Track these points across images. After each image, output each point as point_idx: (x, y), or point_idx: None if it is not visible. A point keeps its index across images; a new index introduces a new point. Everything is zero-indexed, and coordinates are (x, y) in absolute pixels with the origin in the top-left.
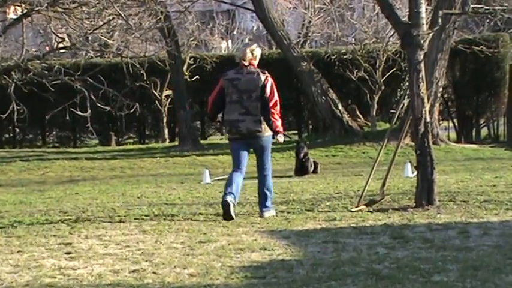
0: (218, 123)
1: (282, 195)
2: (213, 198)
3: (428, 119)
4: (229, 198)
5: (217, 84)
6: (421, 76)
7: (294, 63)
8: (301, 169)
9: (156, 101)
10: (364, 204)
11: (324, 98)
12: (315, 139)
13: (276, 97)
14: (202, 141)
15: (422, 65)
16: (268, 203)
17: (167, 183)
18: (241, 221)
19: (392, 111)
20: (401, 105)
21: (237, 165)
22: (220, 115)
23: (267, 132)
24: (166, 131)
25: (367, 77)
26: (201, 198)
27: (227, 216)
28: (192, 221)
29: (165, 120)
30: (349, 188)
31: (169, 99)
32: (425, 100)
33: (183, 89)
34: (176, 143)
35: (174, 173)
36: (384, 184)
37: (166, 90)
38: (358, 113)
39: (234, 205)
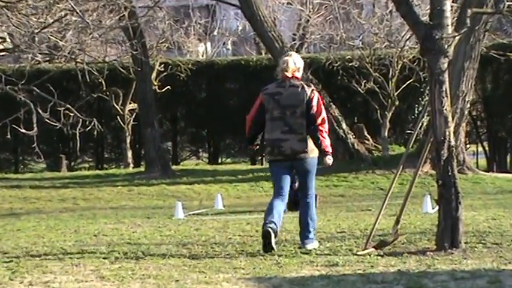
0: (256, 148)
1: None
2: (186, 237)
3: (452, 142)
4: (270, 227)
5: (251, 100)
6: (444, 89)
7: None
8: (295, 202)
9: (118, 117)
10: (373, 247)
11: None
12: None
13: (324, 113)
14: (173, 167)
15: (446, 75)
16: (311, 234)
17: (130, 218)
18: (222, 265)
19: (408, 132)
20: (420, 124)
21: (278, 191)
22: (259, 138)
23: (313, 153)
24: (129, 153)
25: (377, 90)
26: (172, 237)
27: (267, 248)
28: (161, 265)
29: (128, 140)
30: (355, 226)
31: (134, 114)
32: (450, 119)
33: (151, 102)
34: (142, 169)
35: (139, 206)
36: (397, 222)
37: (131, 103)
38: (366, 133)
39: (275, 235)
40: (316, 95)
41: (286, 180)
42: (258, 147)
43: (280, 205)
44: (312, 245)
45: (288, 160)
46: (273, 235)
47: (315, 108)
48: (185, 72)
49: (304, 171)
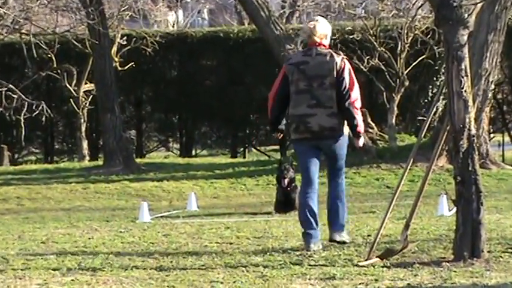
0: (280, 135)
1: (257, 240)
2: (153, 244)
3: (473, 131)
4: (312, 231)
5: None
6: (463, 67)
7: (276, 45)
8: (285, 203)
9: (71, 100)
10: (378, 256)
11: None
12: None
13: (357, 86)
14: (138, 160)
15: (465, 50)
16: (343, 221)
17: (86, 222)
18: (196, 278)
19: (420, 118)
20: (434, 109)
21: (308, 179)
22: (283, 123)
23: (344, 131)
24: (85, 144)
25: (383, 67)
26: (136, 245)
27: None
28: (122, 278)
29: (83, 128)
30: (356, 232)
31: (91, 97)
32: (470, 102)
33: (111, 82)
34: (100, 162)
35: (97, 207)
36: (407, 226)
37: (86, 83)
38: (370, 120)
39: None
40: (347, 64)
41: (315, 163)
42: (281, 133)
43: (314, 195)
44: (342, 236)
45: (315, 138)
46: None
47: (346, 80)
48: (152, 46)
49: (334, 151)
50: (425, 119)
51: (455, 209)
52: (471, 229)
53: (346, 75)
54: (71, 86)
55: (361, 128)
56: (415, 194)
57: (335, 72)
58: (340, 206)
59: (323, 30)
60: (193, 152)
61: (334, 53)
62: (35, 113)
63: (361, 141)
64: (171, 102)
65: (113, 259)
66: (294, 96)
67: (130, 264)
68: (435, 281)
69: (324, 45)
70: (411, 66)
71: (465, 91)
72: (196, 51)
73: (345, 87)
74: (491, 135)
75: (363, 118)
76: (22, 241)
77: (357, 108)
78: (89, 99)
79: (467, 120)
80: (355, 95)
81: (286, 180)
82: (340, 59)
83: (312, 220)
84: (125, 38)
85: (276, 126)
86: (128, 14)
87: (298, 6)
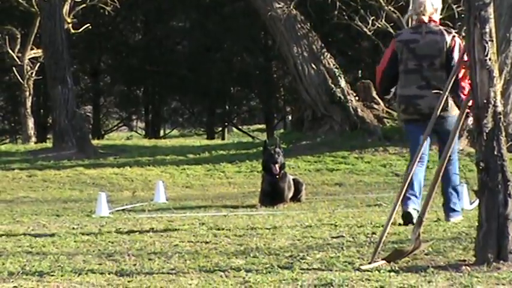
0: (393, 101)
1: (238, 239)
2: (113, 243)
3: (499, 107)
4: (411, 208)
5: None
6: (487, 30)
7: (261, 4)
8: (272, 194)
9: (14, 69)
10: (384, 259)
11: (314, 66)
12: (298, 140)
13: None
14: (95, 142)
15: (490, 9)
16: (457, 206)
17: (31, 217)
18: (165, 284)
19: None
20: (452, 80)
21: (418, 155)
22: (393, 90)
23: (454, 111)
24: (30, 122)
25: (391, 30)
26: (92, 244)
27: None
28: (75, 284)
29: (28, 103)
30: (358, 229)
31: (38, 65)
32: (496, 73)
33: (62, 47)
34: (49, 145)
35: (45, 198)
36: (419, 223)
37: (32, 49)
38: (375, 94)
39: (417, 212)
40: (458, 42)
41: (425, 144)
42: (393, 99)
43: (421, 172)
44: (457, 218)
45: (425, 120)
46: (415, 217)
47: (455, 60)
48: (112, 4)
49: (445, 132)
50: (441, 92)
51: (477, 202)
52: (497, 226)
53: (455, 54)
54: (13, 52)
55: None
56: (429, 184)
57: (445, 52)
58: (454, 191)
59: (433, 6)
60: (162, 133)
61: (444, 31)
62: None
63: (470, 121)
64: (134, 72)
65: (64, 261)
66: (403, 75)
67: (85, 268)
68: None
69: (434, 21)
70: None
71: (490, 59)
72: (165, 10)
73: (455, 65)
74: None
75: (366, 93)
76: None
77: (465, 88)
78: (36, 68)
79: (492, 94)
80: (464, 73)
81: (277, 166)
82: (450, 38)
83: (412, 192)
84: None
85: (387, 95)
86: None
87: None
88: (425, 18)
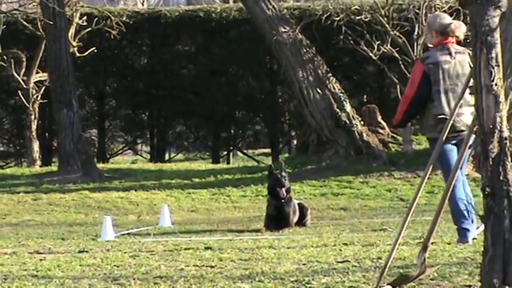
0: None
1: (243, 263)
2: (118, 267)
3: (505, 132)
4: (467, 225)
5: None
6: (493, 55)
7: (267, 28)
8: (277, 218)
9: (19, 92)
10: (390, 284)
11: (319, 91)
12: (303, 164)
13: None
14: (100, 166)
15: (496, 35)
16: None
17: (37, 240)
18: None
19: (440, 117)
20: (458, 106)
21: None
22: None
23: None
24: (35, 145)
25: (397, 55)
26: (97, 268)
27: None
28: None
29: (34, 126)
30: (363, 254)
31: (43, 88)
32: (502, 98)
33: (68, 71)
34: (54, 168)
35: (50, 222)
36: (425, 248)
37: (38, 72)
38: (380, 118)
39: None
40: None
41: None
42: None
43: (464, 185)
44: (476, 232)
45: (458, 137)
46: (470, 235)
47: None
48: (118, 28)
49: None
50: (447, 117)
51: (483, 227)
52: (502, 251)
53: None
54: (19, 75)
55: None
56: (434, 209)
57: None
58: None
59: (461, 29)
60: (167, 156)
61: (466, 49)
62: None
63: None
64: (139, 95)
65: (69, 285)
66: (439, 95)
67: None
68: None
69: (454, 42)
70: None
71: (496, 84)
72: (171, 34)
73: None
74: None
75: (371, 118)
76: None
77: None
78: (41, 92)
79: (498, 119)
80: None
81: (284, 190)
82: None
83: (463, 219)
84: (84, 17)
85: (404, 126)
86: None
87: None
88: (453, 39)
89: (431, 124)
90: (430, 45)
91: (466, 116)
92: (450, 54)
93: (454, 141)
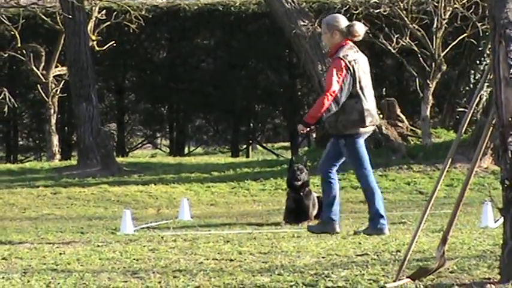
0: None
1: (263, 257)
2: (138, 261)
3: None
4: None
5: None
6: None
7: (286, 22)
8: (297, 211)
9: (39, 86)
10: (409, 277)
11: None
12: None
13: None
14: (119, 159)
15: None
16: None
17: (56, 234)
18: None
19: (460, 110)
20: (477, 99)
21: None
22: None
23: None
24: (55, 139)
25: (416, 49)
26: (117, 261)
27: None
28: None
29: (53, 120)
30: (382, 247)
31: (62, 82)
32: None
33: (87, 65)
34: (73, 162)
35: (69, 216)
36: (444, 240)
37: (57, 66)
38: (399, 111)
39: None
40: None
41: None
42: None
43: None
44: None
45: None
46: None
47: None
48: (137, 21)
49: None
50: (466, 110)
51: (502, 220)
52: None
53: None
54: (38, 69)
55: None
56: (453, 202)
57: None
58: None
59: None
60: (186, 150)
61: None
62: None
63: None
64: (158, 89)
65: (89, 279)
66: (364, 91)
67: (110, 285)
68: None
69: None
70: (450, 47)
71: None
72: (190, 28)
73: None
74: None
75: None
76: None
77: None
78: (60, 86)
79: None
80: None
81: (298, 184)
82: None
83: None
84: (103, 11)
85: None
86: None
87: None
88: (357, 39)
89: (355, 119)
90: (333, 44)
91: (375, 110)
92: (357, 52)
93: (366, 137)
